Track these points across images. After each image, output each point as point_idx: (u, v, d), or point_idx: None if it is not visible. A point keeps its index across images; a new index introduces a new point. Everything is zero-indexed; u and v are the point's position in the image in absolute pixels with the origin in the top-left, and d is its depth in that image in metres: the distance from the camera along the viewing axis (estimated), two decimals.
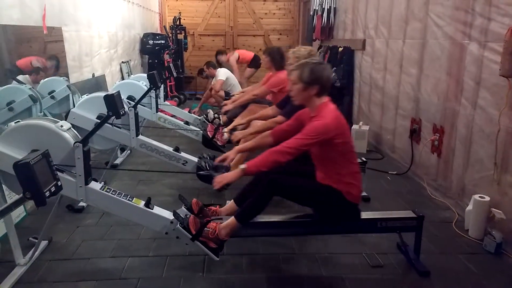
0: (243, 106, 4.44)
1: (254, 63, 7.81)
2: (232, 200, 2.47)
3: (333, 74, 5.89)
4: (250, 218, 2.21)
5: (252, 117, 3.68)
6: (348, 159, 2.23)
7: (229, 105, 4.35)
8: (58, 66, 3.91)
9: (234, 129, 3.62)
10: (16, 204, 1.99)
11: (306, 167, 2.44)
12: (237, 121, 3.89)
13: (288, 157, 2.10)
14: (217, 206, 2.52)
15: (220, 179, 2.15)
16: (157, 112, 4.35)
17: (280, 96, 3.68)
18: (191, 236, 2.13)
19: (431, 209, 3.21)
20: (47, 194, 1.64)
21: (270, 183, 2.17)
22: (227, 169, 2.91)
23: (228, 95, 6.73)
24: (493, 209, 2.69)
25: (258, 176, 2.32)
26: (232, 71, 6.80)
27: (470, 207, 2.81)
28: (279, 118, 3.04)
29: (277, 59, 4.00)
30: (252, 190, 2.32)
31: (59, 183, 1.75)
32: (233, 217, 2.20)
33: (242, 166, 2.13)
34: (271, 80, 4.04)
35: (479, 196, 2.73)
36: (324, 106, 2.22)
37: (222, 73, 6.30)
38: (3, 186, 2.19)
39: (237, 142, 3.18)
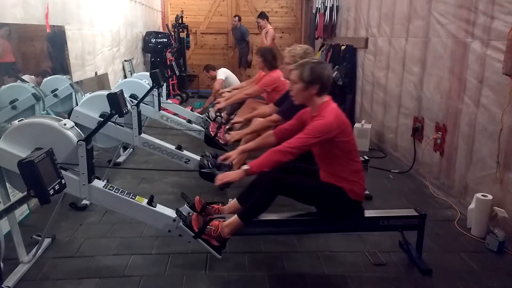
0: (240, 102, 4.46)
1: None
2: (235, 199, 2.48)
3: (336, 72, 5.89)
4: (253, 217, 2.22)
5: (248, 116, 3.69)
6: (350, 158, 2.23)
7: (221, 103, 4.36)
8: None
9: (231, 129, 3.62)
10: (20, 202, 2.01)
11: (310, 166, 2.45)
12: (235, 119, 3.91)
13: (290, 156, 2.11)
14: (220, 204, 2.53)
15: (223, 177, 2.16)
16: (159, 110, 4.36)
17: (274, 95, 3.70)
18: (193, 234, 2.14)
19: (433, 207, 3.21)
20: (51, 192, 1.64)
21: (273, 182, 2.18)
22: (229, 167, 2.91)
23: None
24: (495, 207, 2.68)
25: (261, 175, 2.33)
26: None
27: (472, 205, 2.80)
28: (275, 116, 3.05)
29: (269, 59, 4.04)
30: (255, 189, 2.33)
31: (63, 181, 1.75)
32: (236, 215, 2.21)
33: (245, 166, 2.14)
34: (264, 80, 4.08)
35: (482, 195, 2.72)
36: (326, 105, 2.22)
37: (221, 73, 6.36)
38: (7, 184, 2.20)
39: (238, 141, 3.20)
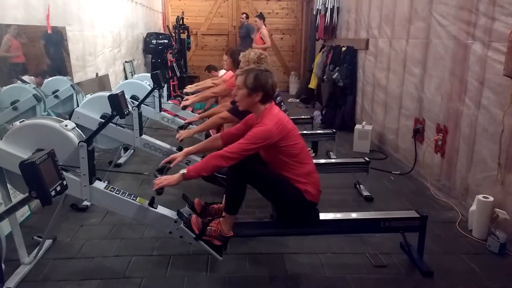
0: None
1: None
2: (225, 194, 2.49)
3: (336, 73, 5.89)
4: (235, 206, 2.23)
5: (203, 115, 3.71)
6: (298, 161, 2.23)
7: (189, 101, 4.34)
8: None
9: (182, 127, 3.62)
10: (21, 203, 2.00)
11: None
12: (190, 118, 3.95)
13: (230, 161, 2.10)
14: (219, 204, 2.53)
15: (160, 181, 2.11)
16: (160, 111, 4.37)
17: None
18: (194, 236, 2.15)
19: (434, 209, 3.20)
20: (53, 193, 1.64)
21: (239, 168, 2.16)
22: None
23: None
24: (496, 209, 2.68)
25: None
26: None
27: (473, 207, 2.80)
28: (224, 114, 3.07)
29: (238, 59, 4.03)
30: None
31: (64, 183, 1.75)
32: (223, 211, 2.24)
33: (183, 170, 2.12)
34: (232, 80, 4.05)
35: (483, 196, 2.72)
36: (268, 111, 2.23)
37: (223, 73, 6.38)
38: (8, 185, 2.20)
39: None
